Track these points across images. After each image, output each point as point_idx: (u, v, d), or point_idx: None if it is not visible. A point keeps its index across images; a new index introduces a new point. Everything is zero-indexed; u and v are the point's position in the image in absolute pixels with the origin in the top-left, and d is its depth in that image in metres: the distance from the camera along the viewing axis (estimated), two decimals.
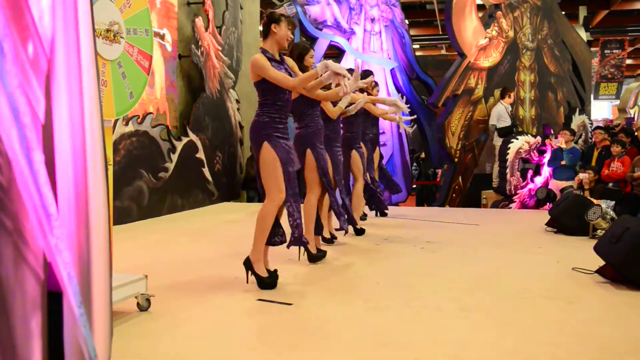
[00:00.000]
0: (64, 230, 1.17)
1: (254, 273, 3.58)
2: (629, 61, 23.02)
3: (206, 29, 8.34)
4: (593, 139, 9.21)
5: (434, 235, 5.69)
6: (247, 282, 3.64)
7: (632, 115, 16.98)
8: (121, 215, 6.37)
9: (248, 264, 3.63)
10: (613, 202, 6.47)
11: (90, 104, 1.39)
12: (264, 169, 3.53)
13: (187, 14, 8.07)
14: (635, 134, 9.39)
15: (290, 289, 3.62)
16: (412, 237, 5.50)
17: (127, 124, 6.58)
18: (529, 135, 9.45)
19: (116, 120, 6.23)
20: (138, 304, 3.07)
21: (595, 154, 8.67)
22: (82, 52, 1.38)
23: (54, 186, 1.14)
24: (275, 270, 3.67)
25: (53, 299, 1.15)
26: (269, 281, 3.56)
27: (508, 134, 9.30)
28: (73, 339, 1.22)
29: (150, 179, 7.04)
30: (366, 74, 5.64)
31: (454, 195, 10.00)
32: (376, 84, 6.62)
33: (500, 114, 9.52)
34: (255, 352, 2.55)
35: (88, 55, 1.41)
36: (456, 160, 10.02)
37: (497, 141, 9.38)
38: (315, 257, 4.35)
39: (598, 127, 10.25)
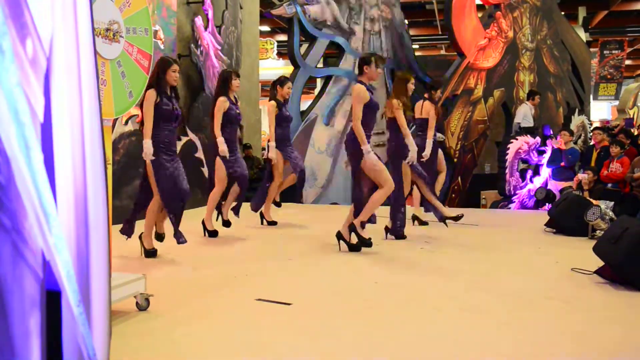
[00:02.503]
0: (62, 229, 1.17)
1: (359, 235, 4.69)
2: (628, 62, 23.01)
3: (205, 28, 8.34)
4: (592, 140, 9.21)
5: (433, 235, 5.69)
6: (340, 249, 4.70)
7: (632, 116, 16.99)
8: (120, 214, 6.35)
9: (353, 228, 4.70)
10: (612, 203, 6.47)
11: (89, 102, 1.39)
12: (373, 170, 4.64)
13: (187, 13, 8.07)
14: (635, 134, 9.39)
15: (289, 288, 3.61)
16: (411, 237, 5.50)
17: (126, 124, 6.57)
18: (528, 135, 9.44)
19: (115, 120, 6.22)
20: (137, 303, 3.07)
21: (595, 154, 8.67)
22: (81, 51, 1.38)
23: (52, 185, 1.14)
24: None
25: (52, 298, 1.15)
26: (369, 242, 4.72)
27: (531, 133, 9.27)
28: (72, 338, 1.22)
29: None
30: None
31: (453, 195, 10.00)
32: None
33: (525, 114, 9.49)
34: (254, 352, 2.55)
35: (87, 54, 1.40)
36: (455, 160, 10.02)
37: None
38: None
39: (597, 128, 10.25)
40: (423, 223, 6.33)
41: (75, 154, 1.31)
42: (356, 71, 5.51)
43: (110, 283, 1.57)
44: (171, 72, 4.18)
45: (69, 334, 1.21)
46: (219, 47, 8.74)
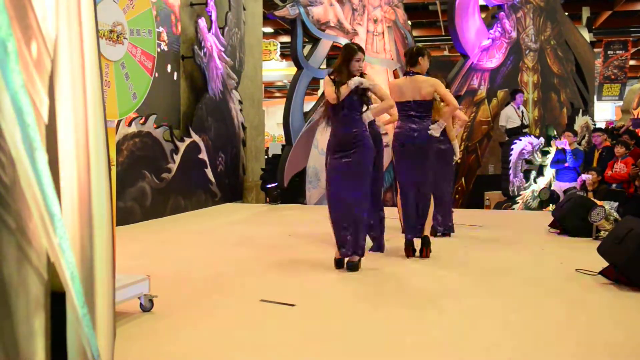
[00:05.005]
0: (67, 230, 1.17)
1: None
2: (632, 62, 22.92)
3: (209, 29, 8.35)
4: (592, 141, 9.17)
5: (437, 236, 5.68)
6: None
7: (638, 117, 16.93)
8: (124, 215, 6.38)
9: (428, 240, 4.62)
10: (616, 204, 6.45)
11: (93, 104, 1.39)
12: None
13: (190, 14, 8.09)
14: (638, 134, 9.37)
15: (293, 289, 3.61)
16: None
17: (130, 125, 6.58)
18: (532, 136, 9.43)
19: (119, 121, 6.24)
20: (141, 304, 3.08)
21: (596, 155, 8.66)
22: (86, 52, 1.38)
23: (57, 186, 1.15)
24: None
25: (56, 299, 1.15)
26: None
27: (517, 134, 9.27)
28: (76, 338, 1.22)
29: (153, 179, 7.04)
30: None
31: (456, 196, 9.99)
32: None
33: (509, 116, 9.49)
34: (258, 354, 2.55)
35: (91, 56, 1.41)
36: (459, 161, 10.00)
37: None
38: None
39: (598, 129, 10.23)
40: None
41: (80, 155, 1.31)
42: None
43: (115, 284, 1.57)
44: (354, 61, 4.08)
45: (73, 335, 1.21)
46: (223, 49, 8.75)
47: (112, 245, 1.50)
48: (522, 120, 9.43)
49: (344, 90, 3.96)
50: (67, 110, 1.23)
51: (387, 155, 7.17)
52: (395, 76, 10.38)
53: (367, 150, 4.11)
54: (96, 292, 1.38)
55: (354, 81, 3.96)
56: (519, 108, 9.52)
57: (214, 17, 8.48)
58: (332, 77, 4.10)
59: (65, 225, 1.16)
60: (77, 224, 1.27)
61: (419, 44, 4.94)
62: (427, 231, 4.66)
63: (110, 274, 1.49)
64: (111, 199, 1.52)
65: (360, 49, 4.12)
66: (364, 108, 4.14)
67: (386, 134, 9.52)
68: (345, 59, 4.06)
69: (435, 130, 4.51)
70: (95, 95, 1.41)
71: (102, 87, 1.49)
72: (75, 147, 1.27)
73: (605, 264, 3.89)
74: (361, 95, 4.10)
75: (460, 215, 7.21)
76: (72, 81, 1.29)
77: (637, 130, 10.45)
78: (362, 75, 4.11)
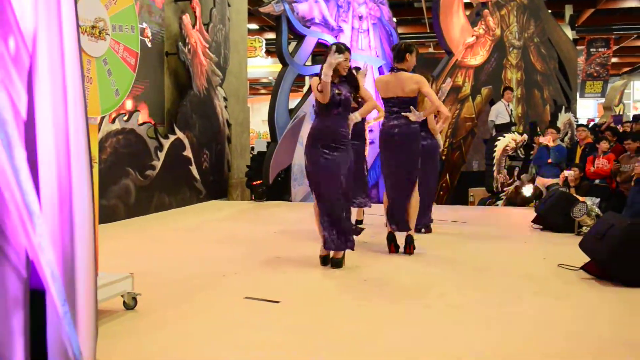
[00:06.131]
0: (47, 228, 1.16)
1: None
2: (614, 59, 23.20)
3: (193, 26, 8.30)
4: (576, 136, 9.29)
5: (421, 232, 5.71)
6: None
7: (619, 113, 17.14)
8: (108, 213, 6.33)
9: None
10: (598, 199, 6.53)
11: (74, 100, 1.38)
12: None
13: (174, 11, 8.03)
14: (621, 131, 9.49)
15: (277, 286, 3.61)
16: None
17: (113, 122, 6.53)
18: (516, 133, 9.51)
19: (102, 118, 6.18)
20: (124, 302, 3.06)
21: (579, 151, 8.75)
22: (66, 48, 1.37)
23: (36, 183, 1.13)
24: None
25: (36, 298, 1.14)
26: None
27: (505, 131, 9.34)
28: (57, 337, 1.21)
29: (137, 177, 6.99)
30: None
31: (441, 192, 10.04)
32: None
33: (500, 111, 9.57)
34: (243, 351, 2.54)
35: (72, 51, 1.39)
36: (443, 158, 10.06)
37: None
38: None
39: (581, 125, 10.35)
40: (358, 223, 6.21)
41: (60, 152, 1.30)
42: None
43: (97, 282, 1.56)
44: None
45: (54, 334, 1.20)
46: (207, 45, 8.70)
47: (94, 244, 1.49)
48: (511, 118, 9.51)
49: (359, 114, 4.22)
50: (47, 106, 1.22)
51: (372, 152, 7.22)
52: (381, 73, 10.40)
53: (351, 152, 4.18)
54: (77, 290, 1.37)
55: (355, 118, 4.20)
56: (508, 105, 9.60)
57: (198, 14, 8.43)
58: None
59: (45, 223, 1.15)
60: (57, 222, 1.26)
61: (405, 41, 4.87)
62: (411, 228, 4.68)
63: (92, 272, 1.48)
64: (93, 196, 1.51)
65: (347, 48, 4.13)
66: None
67: (372, 130, 9.56)
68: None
69: (409, 115, 4.51)
70: (76, 92, 1.39)
71: (84, 83, 1.48)
72: (55, 144, 1.26)
73: (587, 259, 3.94)
74: (354, 96, 4.16)
75: (444, 212, 7.26)
76: (51, 77, 1.28)
77: (618, 127, 10.58)
78: (352, 72, 4.16)
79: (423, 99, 4.73)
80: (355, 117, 4.17)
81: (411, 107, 4.47)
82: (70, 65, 1.37)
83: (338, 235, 4.06)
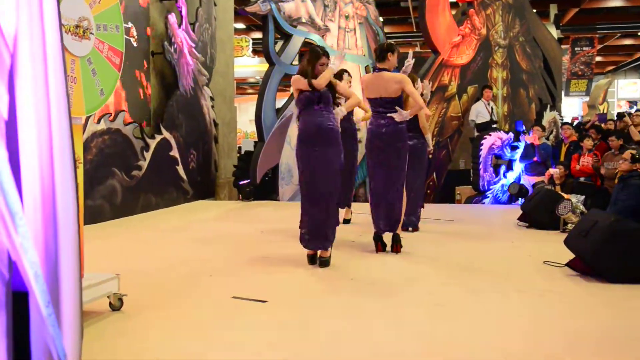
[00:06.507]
0: (30, 229, 1.15)
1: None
2: (598, 58, 23.45)
3: (179, 25, 8.26)
4: (561, 134, 9.38)
5: (408, 231, 5.73)
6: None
7: (603, 111, 17.32)
8: (93, 214, 6.28)
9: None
10: (583, 197, 6.59)
11: (57, 100, 1.37)
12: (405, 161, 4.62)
13: (160, 10, 7.98)
14: (605, 129, 9.59)
15: (265, 286, 3.61)
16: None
17: (98, 122, 6.48)
18: (502, 131, 9.57)
19: (88, 118, 6.13)
20: (110, 303, 3.04)
21: (564, 149, 8.83)
22: (48, 47, 1.35)
23: (18, 184, 1.12)
24: None
25: (19, 299, 1.13)
26: None
27: (486, 129, 9.40)
28: (40, 339, 1.20)
29: (123, 177, 6.94)
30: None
31: (428, 191, 10.08)
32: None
33: (479, 111, 9.63)
34: (231, 350, 2.54)
35: (54, 51, 1.38)
36: (430, 156, 10.09)
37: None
38: None
39: (566, 123, 10.45)
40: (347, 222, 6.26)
41: (43, 152, 1.29)
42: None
43: (82, 283, 1.55)
44: (319, 65, 4.11)
45: (37, 335, 1.19)
46: (193, 45, 8.66)
47: (78, 244, 1.48)
48: (491, 116, 9.58)
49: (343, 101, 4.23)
50: (29, 106, 1.21)
51: (361, 151, 7.23)
52: (367, 72, 10.43)
53: (340, 147, 4.17)
54: (62, 291, 1.36)
55: (340, 112, 4.27)
56: (488, 104, 9.67)
57: (184, 13, 8.38)
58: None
59: (28, 223, 1.14)
60: (40, 222, 1.25)
61: (391, 41, 4.89)
62: (398, 228, 4.70)
63: (77, 273, 1.47)
64: (78, 197, 1.50)
65: (325, 53, 4.16)
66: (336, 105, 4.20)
67: (359, 129, 9.56)
68: (310, 62, 4.12)
69: (394, 116, 4.52)
70: (59, 91, 1.38)
71: (67, 82, 1.46)
72: (37, 144, 1.25)
73: (572, 255, 3.98)
74: (333, 92, 4.16)
75: (432, 210, 7.29)
76: (33, 77, 1.27)
77: (602, 125, 10.69)
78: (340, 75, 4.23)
79: (408, 98, 4.74)
80: (341, 110, 4.19)
81: (397, 107, 4.49)
82: (53, 64, 1.36)
83: (324, 233, 4.06)
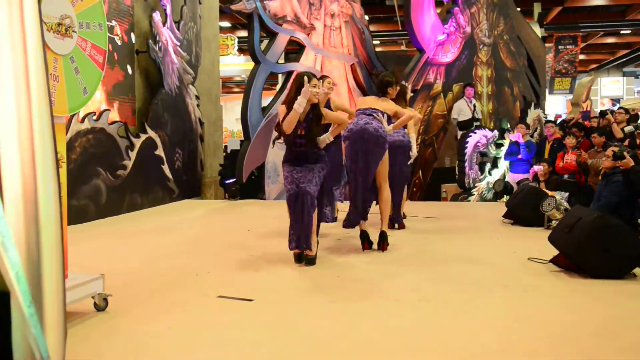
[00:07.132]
0: (10, 228, 1.14)
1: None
2: (581, 57, 23.70)
3: (164, 23, 8.21)
4: (545, 132, 9.47)
5: (394, 228, 5.75)
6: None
7: (587, 109, 17.50)
8: (78, 214, 6.23)
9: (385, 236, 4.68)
10: (567, 194, 6.66)
11: (38, 98, 1.35)
12: (387, 165, 4.66)
13: (144, 8, 7.93)
14: (587, 127, 9.69)
15: (251, 284, 3.60)
16: (372, 231, 5.55)
17: (82, 121, 6.42)
18: (487, 129, 9.63)
19: (72, 117, 6.07)
20: (95, 303, 3.02)
21: (548, 147, 8.92)
22: (29, 45, 1.34)
23: None
24: None
25: (0, 299, 1.12)
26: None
27: (468, 127, 9.47)
28: (22, 340, 1.19)
29: (108, 177, 6.89)
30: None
31: (414, 189, 10.12)
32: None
33: (461, 109, 9.69)
34: (217, 350, 2.53)
35: (35, 49, 1.37)
36: (411, 160, 10.12)
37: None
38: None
39: (549, 121, 10.54)
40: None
41: (24, 151, 1.27)
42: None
43: (65, 283, 1.53)
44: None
45: (19, 336, 1.18)
46: (178, 43, 8.61)
47: (61, 244, 1.47)
48: (473, 114, 9.63)
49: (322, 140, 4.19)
50: (9, 105, 1.19)
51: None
52: (353, 70, 10.45)
53: (327, 164, 4.28)
54: (44, 291, 1.34)
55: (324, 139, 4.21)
56: (471, 101, 9.72)
57: (168, 11, 8.34)
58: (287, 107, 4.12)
59: (9, 223, 1.13)
60: (22, 222, 1.24)
61: (385, 74, 4.89)
62: (384, 226, 4.71)
63: (60, 273, 1.46)
64: (61, 196, 1.48)
65: (312, 75, 4.18)
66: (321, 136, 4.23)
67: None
68: (298, 90, 4.06)
69: (379, 117, 4.60)
70: (40, 90, 1.37)
71: (49, 81, 1.45)
72: (18, 143, 1.24)
73: (556, 252, 4.03)
74: (317, 122, 4.16)
75: (418, 208, 7.33)
76: (14, 75, 1.25)
77: (586, 123, 10.81)
78: (317, 105, 4.16)
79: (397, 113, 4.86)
80: (328, 137, 4.21)
81: (382, 115, 4.59)
82: (34, 62, 1.35)
83: (305, 234, 4.06)
